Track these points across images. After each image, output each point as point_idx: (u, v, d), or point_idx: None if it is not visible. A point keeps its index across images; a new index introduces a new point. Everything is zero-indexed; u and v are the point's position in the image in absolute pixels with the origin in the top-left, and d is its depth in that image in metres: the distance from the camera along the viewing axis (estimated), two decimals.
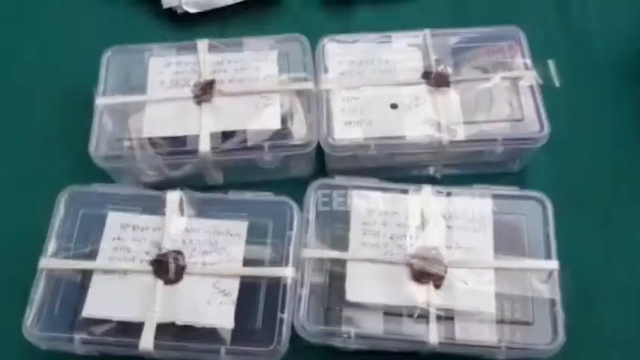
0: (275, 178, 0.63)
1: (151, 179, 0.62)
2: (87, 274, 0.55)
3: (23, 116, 0.69)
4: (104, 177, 0.61)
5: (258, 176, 0.63)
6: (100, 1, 0.77)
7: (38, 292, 0.54)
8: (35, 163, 0.66)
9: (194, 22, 0.74)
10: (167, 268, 0.54)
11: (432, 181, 0.60)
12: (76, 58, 0.72)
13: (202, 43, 0.65)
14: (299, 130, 0.61)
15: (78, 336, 0.52)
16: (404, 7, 0.75)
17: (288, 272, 0.54)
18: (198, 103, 0.62)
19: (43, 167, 0.66)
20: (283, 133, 0.61)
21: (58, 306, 0.54)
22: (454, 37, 0.65)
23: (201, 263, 0.54)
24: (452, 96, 0.62)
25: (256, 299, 0.53)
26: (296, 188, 0.59)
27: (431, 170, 0.64)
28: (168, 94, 0.63)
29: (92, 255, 0.55)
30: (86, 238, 0.56)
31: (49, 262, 0.55)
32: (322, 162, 0.64)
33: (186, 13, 0.73)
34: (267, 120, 0.61)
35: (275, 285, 0.54)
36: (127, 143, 0.61)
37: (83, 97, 0.64)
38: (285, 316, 0.52)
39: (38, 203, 0.58)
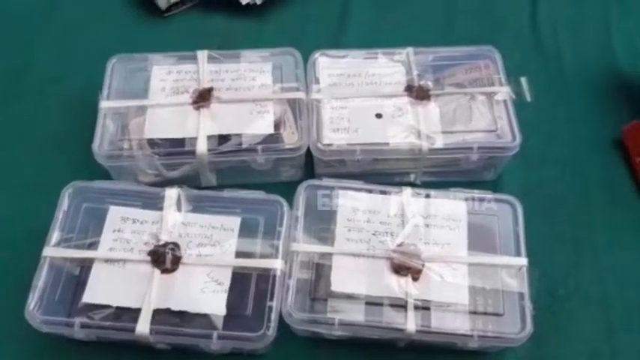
0: (266, 181, 0.66)
1: (149, 179, 0.66)
2: (86, 267, 0.57)
3: (34, 118, 0.73)
4: (105, 178, 0.64)
5: (250, 179, 0.66)
6: (105, 13, 0.82)
7: (41, 278, 0.56)
8: (43, 162, 0.70)
9: (194, 33, 0.79)
10: (164, 258, 0.57)
11: (412, 187, 0.63)
12: (83, 66, 0.76)
13: (202, 54, 0.69)
14: (290, 137, 0.65)
15: (77, 320, 0.55)
16: (392, 26, 0.81)
17: (277, 264, 0.57)
18: (197, 108, 0.66)
19: (50, 165, 0.69)
20: (275, 137, 0.65)
21: (59, 293, 0.57)
22: (435, 54, 0.70)
23: (197, 254, 0.58)
24: (432, 108, 0.66)
25: (247, 289, 0.56)
26: (285, 191, 0.62)
27: (411, 177, 0.68)
28: (169, 100, 0.67)
29: (93, 246, 0.58)
30: (87, 230, 0.59)
31: (51, 250, 0.58)
32: (311, 169, 0.68)
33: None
34: (261, 125, 0.65)
35: (265, 276, 0.57)
36: (126, 144, 0.64)
37: (89, 101, 0.67)
38: (274, 304, 0.55)
39: (45, 198, 0.61)
